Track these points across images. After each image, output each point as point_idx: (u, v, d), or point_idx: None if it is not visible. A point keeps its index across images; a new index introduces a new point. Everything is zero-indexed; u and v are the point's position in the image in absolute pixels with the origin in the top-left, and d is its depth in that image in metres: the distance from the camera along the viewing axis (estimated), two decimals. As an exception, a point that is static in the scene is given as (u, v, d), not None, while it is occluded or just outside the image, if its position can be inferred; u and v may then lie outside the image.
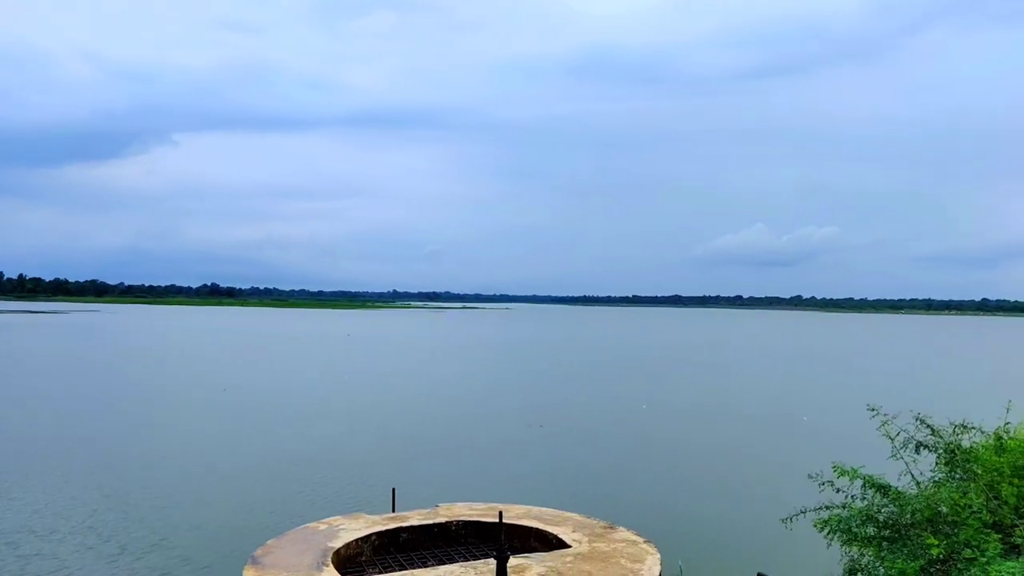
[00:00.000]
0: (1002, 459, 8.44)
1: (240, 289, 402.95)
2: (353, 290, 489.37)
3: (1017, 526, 7.67)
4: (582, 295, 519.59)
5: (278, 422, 31.05)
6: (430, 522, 9.47)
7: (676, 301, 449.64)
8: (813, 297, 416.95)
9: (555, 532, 8.99)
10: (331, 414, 33.76)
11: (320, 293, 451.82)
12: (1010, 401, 9.49)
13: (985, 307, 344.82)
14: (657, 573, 7.42)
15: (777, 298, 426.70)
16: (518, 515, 9.67)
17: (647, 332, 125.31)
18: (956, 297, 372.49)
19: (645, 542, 8.45)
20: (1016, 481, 8.15)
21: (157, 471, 22.28)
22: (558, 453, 26.20)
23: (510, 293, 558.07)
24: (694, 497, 20.34)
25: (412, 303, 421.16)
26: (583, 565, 7.65)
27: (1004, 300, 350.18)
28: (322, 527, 9.14)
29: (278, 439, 27.44)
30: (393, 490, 11.14)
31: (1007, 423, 9.37)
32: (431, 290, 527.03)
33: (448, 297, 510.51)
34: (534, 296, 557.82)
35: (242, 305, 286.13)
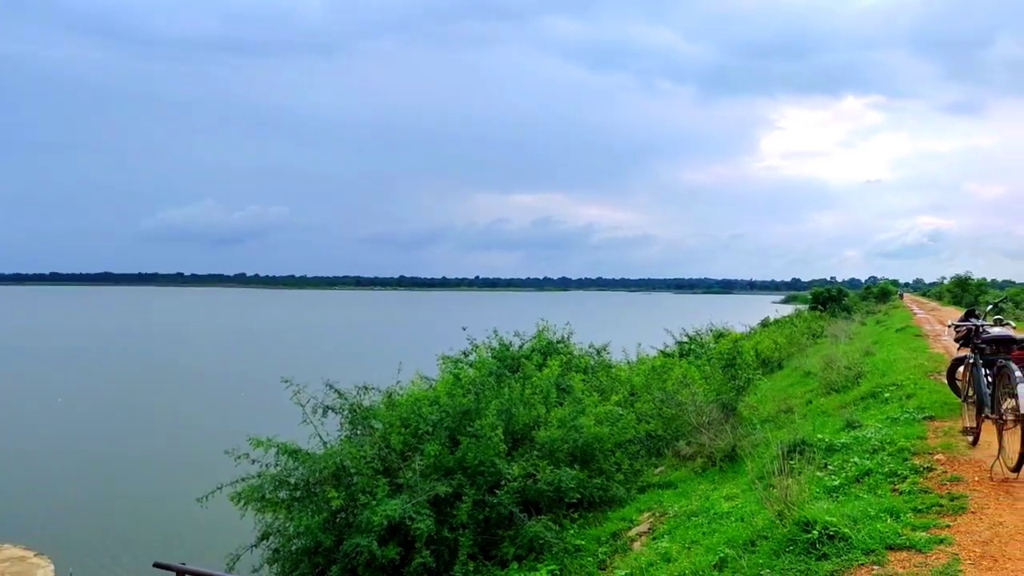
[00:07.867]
0: (393, 413, 9.94)
1: None
2: None
3: (401, 468, 9.12)
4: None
5: None
6: None
7: (107, 279, 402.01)
8: (257, 275, 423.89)
9: (-93, 570, 7.17)
10: None
11: None
12: (400, 362, 11.24)
13: (403, 283, 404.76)
14: (48, 588, 6.56)
15: (221, 275, 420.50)
16: None
17: (73, 316, 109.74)
18: (381, 275, 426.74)
19: (36, 555, 7.38)
20: (403, 430, 9.68)
21: None
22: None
23: None
24: (106, 495, 18.29)
25: None
26: (-55, 602, 6.29)
27: (417, 277, 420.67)
28: None
29: None
30: None
31: (398, 382, 11.09)
32: None
33: None
34: None
35: None
